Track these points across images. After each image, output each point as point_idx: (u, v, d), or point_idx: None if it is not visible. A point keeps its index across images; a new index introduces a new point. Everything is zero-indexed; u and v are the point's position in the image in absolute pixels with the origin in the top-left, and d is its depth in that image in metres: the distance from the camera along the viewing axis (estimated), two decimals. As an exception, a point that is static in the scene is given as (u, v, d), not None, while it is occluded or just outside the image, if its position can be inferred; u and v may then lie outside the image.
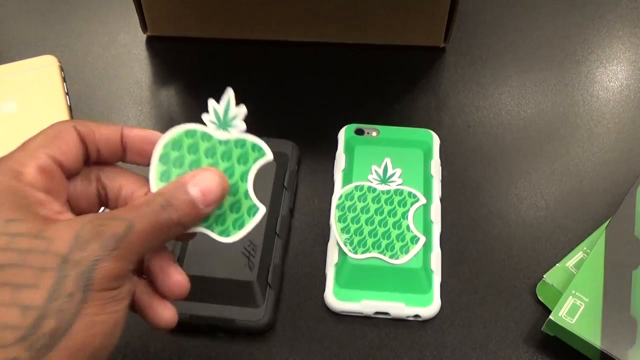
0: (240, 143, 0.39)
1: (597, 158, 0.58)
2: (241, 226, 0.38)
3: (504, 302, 0.51)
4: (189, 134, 0.39)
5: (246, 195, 0.39)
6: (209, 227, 0.38)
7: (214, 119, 0.39)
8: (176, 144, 0.39)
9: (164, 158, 0.38)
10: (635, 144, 0.59)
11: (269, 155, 0.39)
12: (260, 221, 0.38)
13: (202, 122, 0.39)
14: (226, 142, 0.39)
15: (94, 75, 0.63)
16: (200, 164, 0.38)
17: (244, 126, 0.39)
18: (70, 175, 0.36)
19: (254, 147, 0.39)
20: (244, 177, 0.39)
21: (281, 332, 0.50)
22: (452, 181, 0.57)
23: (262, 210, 0.38)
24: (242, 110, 0.38)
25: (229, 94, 0.38)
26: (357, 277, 0.50)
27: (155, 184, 0.38)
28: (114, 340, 0.33)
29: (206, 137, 0.39)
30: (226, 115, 0.39)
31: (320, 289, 0.51)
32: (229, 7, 0.62)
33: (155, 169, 0.38)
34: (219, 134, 0.39)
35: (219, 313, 0.49)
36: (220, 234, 0.38)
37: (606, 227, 0.50)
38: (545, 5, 0.69)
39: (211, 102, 0.38)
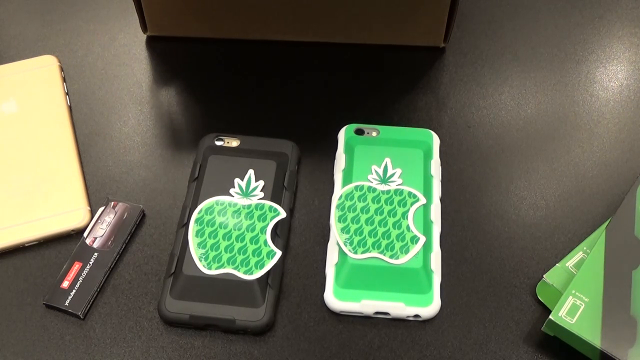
0: (260, 206, 0.52)
1: (597, 158, 0.58)
2: (262, 267, 0.50)
3: (504, 302, 0.51)
4: (218, 202, 0.52)
5: (265, 243, 0.51)
6: (236, 268, 0.50)
7: (239, 191, 0.53)
8: (208, 209, 0.52)
9: (199, 220, 0.51)
10: (635, 144, 0.59)
11: (282, 214, 0.52)
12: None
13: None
14: (248, 206, 0.52)
15: (94, 75, 0.63)
16: (229, 223, 0.51)
17: (262, 195, 0.52)
18: None
19: (271, 208, 0.52)
20: (263, 230, 0.51)
21: (281, 332, 0.50)
22: (452, 181, 0.57)
23: (278, 253, 0.50)
24: (260, 183, 0.53)
25: (250, 172, 0.53)
26: (357, 277, 0.50)
27: (192, 240, 0.51)
28: None
29: (232, 204, 0.52)
30: (248, 187, 0.53)
31: (320, 289, 0.51)
32: (229, 7, 0.62)
33: (192, 228, 0.51)
34: (243, 201, 0.52)
35: (219, 313, 0.49)
36: (245, 273, 0.50)
37: (606, 227, 0.50)
38: (545, 5, 0.69)
39: (237, 180, 0.53)
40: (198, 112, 0.61)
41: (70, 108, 0.61)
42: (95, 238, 0.53)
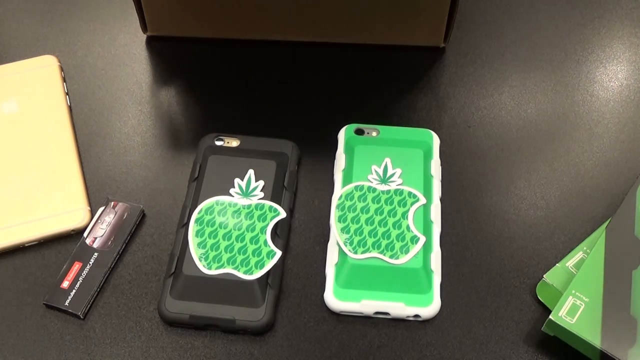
0: (260, 206, 0.52)
1: (597, 158, 0.58)
2: (262, 267, 0.50)
3: (504, 302, 0.51)
4: (218, 202, 0.52)
5: (265, 243, 0.51)
6: (236, 268, 0.50)
7: (239, 191, 0.53)
8: (208, 209, 0.52)
9: (199, 220, 0.52)
10: (635, 144, 0.59)
11: (282, 214, 0.52)
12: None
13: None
14: (248, 206, 0.52)
15: (94, 75, 0.63)
16: (229, 223, 0.51)
17: (262, 195, 0.52)
18: None
19: (271, 208, 0.52)
20: (263, 230, 0.51)
21: (281, 332, 0.50)
22: (452, 181, 0.57)
23: (278, 253, 0.50)
24: (260, 183, 0.52)
25: (250, 172, 0.53)
26: (357, 277, 0.50)
27: (192, 240, 0.51)
28: None
29: (232, 204, 0.52)
30: (248, 188, 0.53)
31: (320, 289, 0.51)
32: (229, 7, 0.62)
33: (192, 228, 0.51)
34: (243, 201, 0.52)
35: (219, 313, 0.49)
36: (245, 273, 0.50)
37: (606, 227, 0.50)
38: (545, 5, 0.69)
39: (237, 180, 0.53)
40: (198, 112, 0.61)
41: (70, 108, 0.61)
42: (95, 238, 0.53)
